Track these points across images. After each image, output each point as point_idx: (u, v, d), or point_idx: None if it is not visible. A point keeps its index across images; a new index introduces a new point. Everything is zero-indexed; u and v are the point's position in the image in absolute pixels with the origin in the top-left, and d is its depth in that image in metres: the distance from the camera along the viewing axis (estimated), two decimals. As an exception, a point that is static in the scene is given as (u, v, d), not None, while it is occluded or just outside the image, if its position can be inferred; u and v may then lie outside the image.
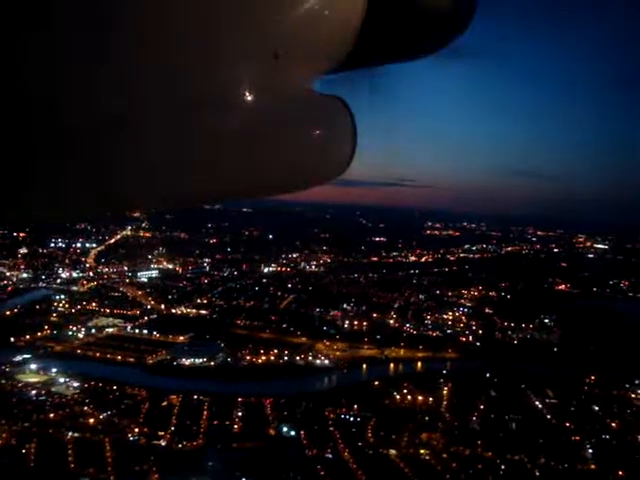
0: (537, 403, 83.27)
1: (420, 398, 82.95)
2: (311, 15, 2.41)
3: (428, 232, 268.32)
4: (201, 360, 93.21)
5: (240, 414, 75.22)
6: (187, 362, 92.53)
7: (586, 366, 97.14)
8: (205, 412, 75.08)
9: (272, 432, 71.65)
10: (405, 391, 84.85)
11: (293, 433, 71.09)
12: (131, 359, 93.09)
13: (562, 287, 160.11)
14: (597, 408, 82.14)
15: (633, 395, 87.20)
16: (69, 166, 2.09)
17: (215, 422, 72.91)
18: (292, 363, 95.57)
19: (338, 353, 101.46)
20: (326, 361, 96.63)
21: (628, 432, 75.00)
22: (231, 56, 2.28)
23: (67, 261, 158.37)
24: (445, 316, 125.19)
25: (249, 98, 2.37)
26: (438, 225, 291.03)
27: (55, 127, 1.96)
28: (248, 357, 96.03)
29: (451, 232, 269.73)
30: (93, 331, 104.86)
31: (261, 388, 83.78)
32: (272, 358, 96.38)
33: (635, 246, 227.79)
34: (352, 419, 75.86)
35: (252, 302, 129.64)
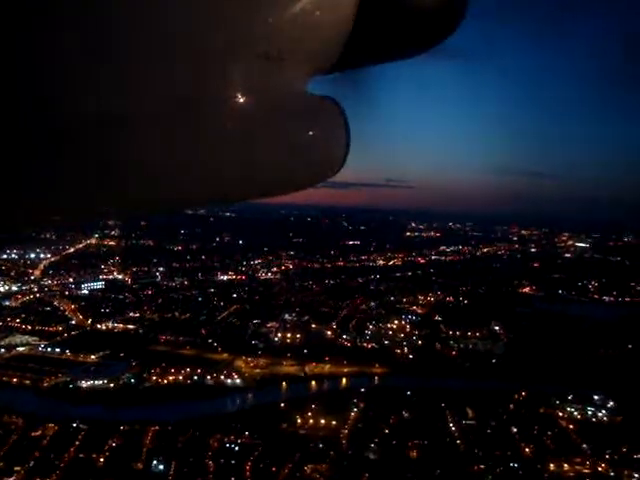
0: (451, 425, 76.03)
1: (323, 422, 76.18)
2: (303, 17, 2.45)
3: (408, 234, 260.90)
4: (102, 382, 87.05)
5: (115, 444, 68.94)
6: (86, 384, 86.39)
7: (521, 379, 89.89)
8: (77, 443, 68.84)
9: (140, 466, 65.23)
10: (310, 414, 78.06)
11: (162, 467, 64.62)
12: (27, 382, 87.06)
13: (526, 290, 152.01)
14: (516, 430, 74.77)
15: (560, 413, 79.78)
16: (63, 168, 2.09)
17: (82, 455, 66.65)
18: (201, 383, 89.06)
19: (257, 370, 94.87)
20: (238, 380, 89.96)
21: (540, 460, 67.68)
22: (223, 57, 2.34)
23: (12, 273, 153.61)
24: (389, 325, 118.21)
25: (241, 99, 2.41)
26: (421, 226, 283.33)
27: (49, 129, 1.98)
28: (155, 378, 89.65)
29: (432, 233, 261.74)
30: (2, 350, 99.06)
31: (153, 413, 77.47)
32: (181, 378, 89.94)
33: (617, 244, 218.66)
34: (237, 448, 69.25)
35: (188, 314, 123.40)
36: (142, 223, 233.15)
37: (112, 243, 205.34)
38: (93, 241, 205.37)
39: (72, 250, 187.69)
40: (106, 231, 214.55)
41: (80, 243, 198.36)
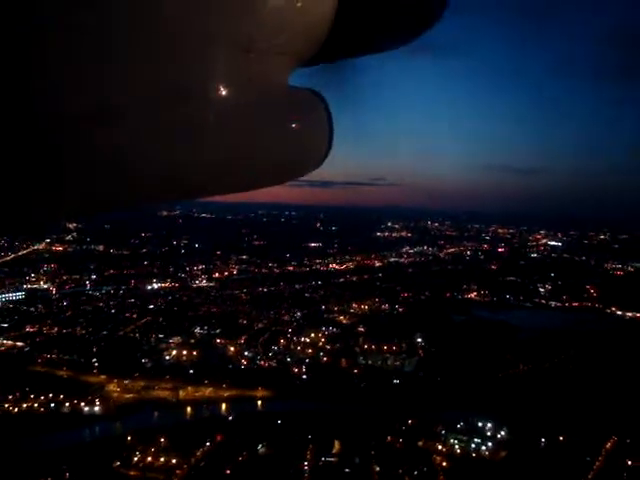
0: (307, 463, 66.45)
1: (163, 459, 67.06)
2: (284, 8, 2.43)
3: (379, 234, 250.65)
4: (-54, 411, 78.72)
5: None
6: None
7: (417, 404, 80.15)
8: None
9: None
10: (154, 449, 68.98)
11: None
12: None
13: (472, 295, 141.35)
14: (378, 469, 65.00)
15: (440, 447, 69.71)
16: (37, 164, 2.04)
17: None
18: (55, 412, 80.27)
19: (127, 395, 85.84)
20: (96, 408, 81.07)
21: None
22: (203, 50, 2.30)
23: None
24: (303, 339, 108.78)
25: (222, 92, 2.36)
26: (396, 225, 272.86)
27: (26, 125, 1.95)
28: (7, 405, 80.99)
29: (404, 233, 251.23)
30: None
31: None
32: (36, 406, 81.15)
33: (592, 242, 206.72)
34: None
35: (90, 329, 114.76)
36: (106, 226, 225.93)
37: (60, 249, 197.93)
38: (42, 246, 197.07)
39: (10, 257, 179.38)
40: (61, 235, 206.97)
41: (26, 249, 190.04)
